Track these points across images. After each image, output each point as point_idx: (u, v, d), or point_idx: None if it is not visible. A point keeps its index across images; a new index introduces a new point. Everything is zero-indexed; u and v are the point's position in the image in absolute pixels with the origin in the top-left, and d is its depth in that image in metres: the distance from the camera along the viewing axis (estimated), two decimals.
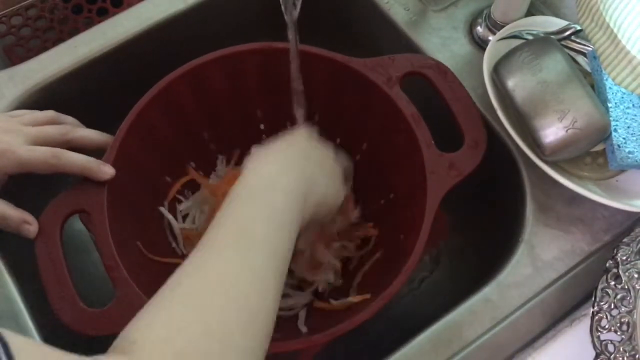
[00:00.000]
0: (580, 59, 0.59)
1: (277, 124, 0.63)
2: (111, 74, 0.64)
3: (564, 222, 0.55)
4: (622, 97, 0.54)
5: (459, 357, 0.50)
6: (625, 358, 0.46)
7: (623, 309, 0.48)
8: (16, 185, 0.49)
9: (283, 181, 0.41)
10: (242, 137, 0.62)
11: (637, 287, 0.48)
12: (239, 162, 0.63)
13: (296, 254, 0.58)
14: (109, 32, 0.63)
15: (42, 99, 0.61)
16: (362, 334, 0.46)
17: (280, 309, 0.57)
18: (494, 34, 0.61)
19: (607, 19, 0.47)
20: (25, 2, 0.69)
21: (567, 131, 0.51)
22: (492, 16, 0.62)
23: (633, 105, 0.54)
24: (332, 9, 0.74)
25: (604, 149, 0.55)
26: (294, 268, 0.58)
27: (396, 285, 0.46)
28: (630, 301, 0.48)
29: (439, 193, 0.50)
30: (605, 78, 0.54)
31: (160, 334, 0.32)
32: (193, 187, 0.62)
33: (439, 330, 0.51)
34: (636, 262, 0.49)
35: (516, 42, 0.57)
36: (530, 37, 0.58)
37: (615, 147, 0.52)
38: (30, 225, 0.48)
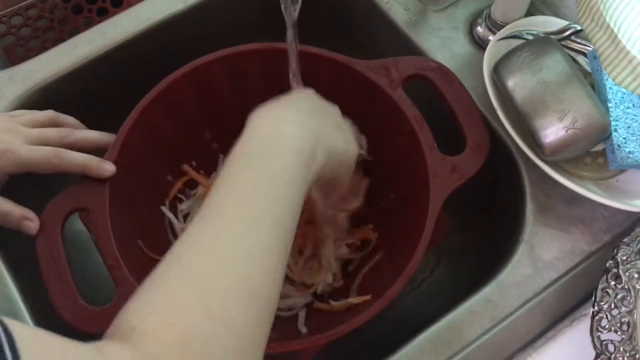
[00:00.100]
0: (580, 59, 0.59)
1: None
2: (111, 74, 0.64)
3: (564, 222, 0.55)
4: (622, 97, 0.54)
5: (459, 357, 0.50)
6: (625, 358, 0.46)
7: (623, 309, 0.48)
8: (16, 184, 0.49)
9: (287, 138, 0.38)
10: None
11: (637, 287, 0.48)
12: None
13: (296, 256, 0.58)
14: (109, 32, 0.63)
15: (42, 99, 0.61)
16: (362, 334, 0.46)
17: (280, 309, 0.57)
18: (494, 34, 0.61)
19: (607, 19, 0.47)
20: (25, 2, 0.69)
21: (567, 131, 0.51)
22: (492, 16, 0.62)
23: (633, 105, 0.54)
24: (332, 9, 0.74)
25: (604, 149, 0.55)
26: (293, 270, 0.58)
27: (398, 287, 0.46)
28: (631, 301, 0.48)
29: (441, 196, 0.50)
30: (605, 78, 0.54)
31: (160, 319, 0.30)
32: (194, 186, 0.62)
33: (439, 330, 0.51)
34: (636, 262, 0.49)
35: (516, 42, 0.57)
36: (530, 37, 0.58)
37: (615, 147, 0.52)
38: (31, 221, 0.48)
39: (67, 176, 0.50)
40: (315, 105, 0.44)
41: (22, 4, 0.69)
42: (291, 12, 0.48)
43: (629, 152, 0.52)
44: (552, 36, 0.58)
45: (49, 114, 0.53)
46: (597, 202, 0.52)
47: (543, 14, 0.63)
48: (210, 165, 0.64)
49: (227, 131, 0.62)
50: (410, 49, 0.64)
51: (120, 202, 0.51)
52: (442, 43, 0.64)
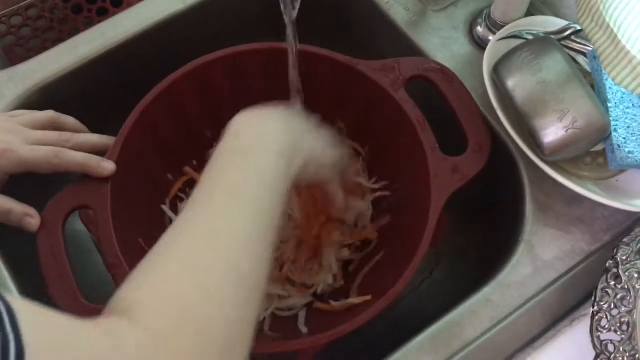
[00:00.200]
0: (580, 59, 0.59)
1: None
2: (111, 74, 0.64)
3: (564, 222, 0.55)
4: (622, 97, 0.54)
5: (459, 357, 0.50)
6: (625, 358, 0.46)
7: (623, 308, 0.48)
8: (17, 184, 0.49)
9: (270, 142, 0.42)
10: None
11: (637, 287, 0.48)
12: None
13: (296, 259, 0.58)
14: (109, 32, 0.63)
15: (42, 99, 0.61)
16: (362, 334, 0.46)
17: (280, 309, 0.57)
18: (494, 34, 0.61)
19: (607, 19, 0.47)
20: (25, 2, 0.69)
21: (567, 131, 0.51)
22: (492, 16, 0.62)
23: (633, 105, 0.54)
24: (332, 9, 0.74)
25: (604, 149, 0.55)
26: (294, 271, 0.58)
27: (399, 287, 0.46)
28: (630, 301, 0.48)
29: (442, 196, 0.50)
30: (605, 78, 0.54)
31: (157, 296, 0.32)
32: (195, 185, 0.62)
33: (439, 330, 0.51)
34: (636, 262, 0.49)
35: (516, 42, 0.57)
36: (530, 37, 0.58)
37: (615, 147, 0.52)
38: (32, 218, 0.48)
39: (68, 176, 0.50)
40: (295, 117, 0.48)
41: (22, 4, 0.69)
42: (291, 12, 0.48)
43: (629, 152, 0.52)
44: (552, 36, 0.58)
45: (49, 114, 0.53)
46: (597, 202, 0.52)
47: (543, 14, 0.63)
48: None
49: None
50: (410, 49, 0.64)
51: (121, 200, 0.51)
52: (442, 43, 0.64)
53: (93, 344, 0.28)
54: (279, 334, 0.54)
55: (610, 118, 0.53)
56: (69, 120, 0.54)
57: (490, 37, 0.61)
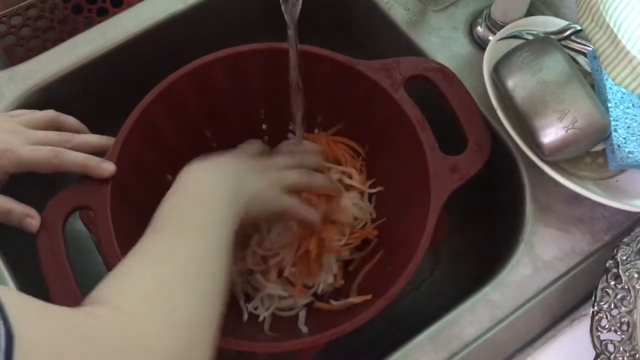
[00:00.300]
0: (580, 59, 0.59)
1: (279, 124, 0.63)
2: (111, 74, 0.64)
3: (564, 222, 0.55)
4: (622, 97, 0.54)
5: (459, 357, 0.50)
6: (625, 358, 0.46)
7: (623, 308, 0.48)
8: (17, 184, 0.49)
9: (213, 190, 0.47)
10: (245, 137, 0.62)
11: (637, 287, 0.48)
12: None
13: (295, 263, 0.58)
14: (109, 32, 0.63)
15: (42, 99, 0.61)
16: (362, 333, 0.46)
17: (281, 309, 0.57)
18: (494, 34, 0.61)
19: (607, 19, 0.47)
20: (25, 2, 0.69)
21: (567, 131, 0.51)
22: (492, 16, 0.62)
23: (633, 105, 0.54)
24: (332, 9, 0.74)
25: (604, 149, 0.55)
26: (294, 276, 0.58)
27: (399, 286, 0.46)
28: (630, 301, 0.48)
29: (442, 195, 0.50)
30: (605, 78, 0.54)
31: (129, 290, 0.37)
32: None
33: (439, 330, 0.51)
34: (636, 262, 0.49)
35: (516, 42, 0.57)
36: (530, 37, 0.58)
37: (615, 147, 0.52)
38: (32, 219, 0.48)
39: (68, 176, 0.50)
40: (239, 163, 0.53)
41: (22, 4, 0.69)
42: (292, 13, 0.48)
43: (629, 152, 0.52)
44: (552, 36, 0.58)
45: (49, 114, 0.53)
46: (597, 202, 0.52)
47: (543, 14, 0.63)
48: None
49: (228, 131, 0.62)
50: (410, 49, 0.64)
51: (121, 200, 0.51)
52: (442, 43, 0.64)
53: (79, 325, 0.32)
54: (279, 334, 0.54)
55: (610, 118, 0.53)
56: (69, 120, 0.54)
57: (490, 37, 0.61)
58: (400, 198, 0.58)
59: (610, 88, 0.54)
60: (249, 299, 0.58)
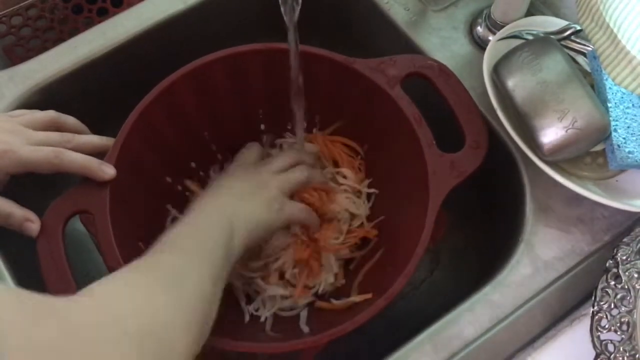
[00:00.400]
0: (580, 59, 0.59)
1: (279, 124, 0.63)
2: (111, 74, 0.64)
3: (564, 222, 0.55)
4: (622, 97, 0.54)
5: (458, 357, 0.50)
6: (625, 358, 0.46)
7: (623, 308, 0.48)
8: (18, 184, 0.49)
9: (214, 220, 0.50)
10: (244, 137, 0.62)
11: (637, 287, 0.48)
12: None
13: (295, 265, 0.58)
14: (109, 32, 0.63)
15: (42, 99, 0.61)
16: (362, 333, 0.46)
17: (282, 309, 0.57)
18: (494, 34, 0.61)
19: (607, 19, 0.47)
20: (25, 2, 0.69)
21: (567, 131, 0.52)
22: (492, 16, 0.62)
23: (633, 105, 0.54)
24: (332, 9, 0.74)
25: (604, 149, 0.55)
26: (295, 277, 0.58)
27: (399, 285, 0.47)
28: (630, 301, 0.48)
29: (440, 193, 0.50)
30: (605, 78, 0.54)
31: (110, 286, 0.39)
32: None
33: (438, 330, 0.51)
34: (636, 262, 0.49)
35: (516, 42, 0.57)
36: (530, 37, 0.58)
37: (615, 147, 0.52)
38: (33, 223, 0.48)
39: (69, 176, 0.50)
40: (237, 190, 0.55)
41: (22, 4, 0.69)
42: (291, 15, 0.48)
43: (629, 152, 0.52)
44: (552, 36, 0.58)
45: (50, 114, 0.53)
46: (597, 202, 0.52)
47: (543, 14, 0.63)
48: (209, 165, 0.64)
49: (227, 131, 0.62)
50: (410, 49, 0.64)
51: (120, 203, 0.51)
52: (442, 43, 0.64)
53: (65, 308, 0.34)
54: (281, 334, 0.55)
55: (610, 118, 0.53)
56: (70, 120, 0.54)
57: (490, 37, 0.61)
58: (399, 196, 0.58)
59: (610, 88, 0.54)
60: (250, 300, 0.58)
